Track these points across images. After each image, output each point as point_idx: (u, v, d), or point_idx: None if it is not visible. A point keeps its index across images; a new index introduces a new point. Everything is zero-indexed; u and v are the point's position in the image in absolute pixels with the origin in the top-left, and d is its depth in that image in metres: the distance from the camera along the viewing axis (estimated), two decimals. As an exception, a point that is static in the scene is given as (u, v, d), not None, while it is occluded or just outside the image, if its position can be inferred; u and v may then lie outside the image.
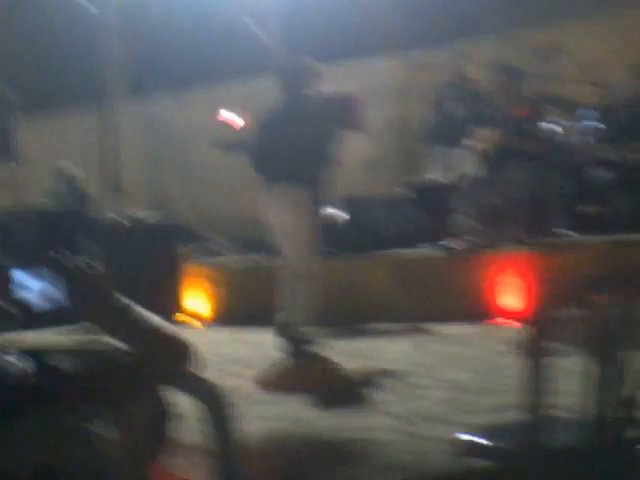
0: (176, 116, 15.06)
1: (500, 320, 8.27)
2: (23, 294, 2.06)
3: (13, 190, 11.31)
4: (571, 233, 9.04)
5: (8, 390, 1.94)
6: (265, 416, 5.56)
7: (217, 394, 2.41)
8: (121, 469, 2.05)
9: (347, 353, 7.54)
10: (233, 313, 9.76)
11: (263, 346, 8.20)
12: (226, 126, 10.68)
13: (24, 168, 11.81)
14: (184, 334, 2.23)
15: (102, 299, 2.14)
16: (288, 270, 7.40)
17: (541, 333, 3.21)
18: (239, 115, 10.49)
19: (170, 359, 2.17)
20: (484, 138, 9.13)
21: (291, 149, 7.18)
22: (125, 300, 2.18)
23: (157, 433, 2.71)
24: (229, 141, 9.81)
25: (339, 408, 5.70)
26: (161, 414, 2.79)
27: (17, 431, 1.86)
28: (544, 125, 9.19)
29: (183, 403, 4.47)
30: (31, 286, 2.06)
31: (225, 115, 10.66)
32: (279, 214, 7.29)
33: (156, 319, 2.17)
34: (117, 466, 2.05)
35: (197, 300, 9.98)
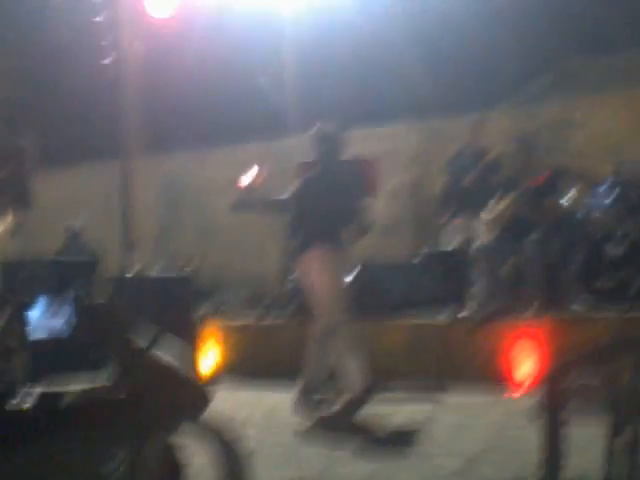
0: (193, 175, 15.19)
1: (514, 391, 8.27)
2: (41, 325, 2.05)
3: (27, 238, 11.42)
4: (585, 307, 9.07)
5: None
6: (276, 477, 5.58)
7: (231, 444, 2.41)
8: None
9: (359, 417, 7.57)
10: (250, 372, 9.79)
11: (274, 407, 8.27)
12: (245, 189, 10.80)
13: (39, 218, 11.94)
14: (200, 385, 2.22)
15: (117, 334, 2.13)
16: (322, 331, 7.59)
17: (556, 401, 3.25)
18: (256, 173, 10.63)
19: (188, 402, 2.14)
20: (499, 208, 9.20)
21: (332, 213, 7.47)
22: (143, 342, 2.17)
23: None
24: (249, 199, 9.90)
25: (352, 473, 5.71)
26: (175, 468, 2.80)
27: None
28: (558, 197, 9.27)
29: (195, 458, 4.50)
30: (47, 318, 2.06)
31: (245, 180, 10.79)
32: (319, 275, 7.50)
33: (175, 363, 2.15)
34: None
35: (212, 358, 10.02)
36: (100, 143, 14.93)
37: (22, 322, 2.16)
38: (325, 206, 7.48)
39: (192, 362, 2.03)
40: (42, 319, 2.04)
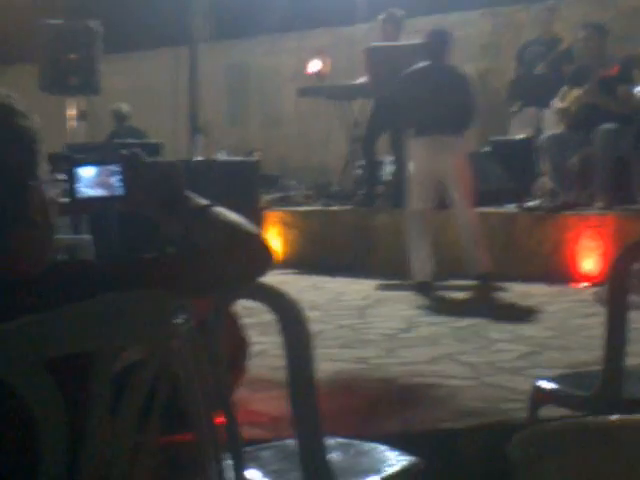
0: (261, 62, 15.09)
1: (579, 282, 8.23)
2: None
3: (94, 123, 11.49)
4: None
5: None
6: (340, 359, 5.63)
7: (295, 307, 2.38)
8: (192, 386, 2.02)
9: (426, 305, 7.60)
10: (311, 261, 9.85)
11: (337, 292, 8.34)
12: (311, 75, 10.72)
13: (106, 104, 11.99)
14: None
15: (166, 190, 2.08)
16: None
17: (621, 286, 3.21)
18: (323, 62, 10.54)
19: (251, 258, 2.08)
20: (570, 97, 9.03)
21: (449, 102, 7.96)
22: (203, 200, 2.12)
23: (236, 361, 2.72)
24: (317, 90, 9.86)
25: (414, 356, 5.75)
26: (241, 343, 2.80)
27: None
28: (632, 87, 9.06)
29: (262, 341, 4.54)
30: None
31: (313, 66, 10.71)
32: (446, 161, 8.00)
33: (237, 217, 2.09)
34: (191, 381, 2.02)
35: (275, 247, 10.08)
36: (166, 29, 14.86)
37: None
38: (446, 97, 7.96)
39: (255, 222, 1.98)
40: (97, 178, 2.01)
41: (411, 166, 8.25)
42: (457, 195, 8.18)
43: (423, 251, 8.11)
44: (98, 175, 2.12)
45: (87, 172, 2.13)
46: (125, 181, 2.09)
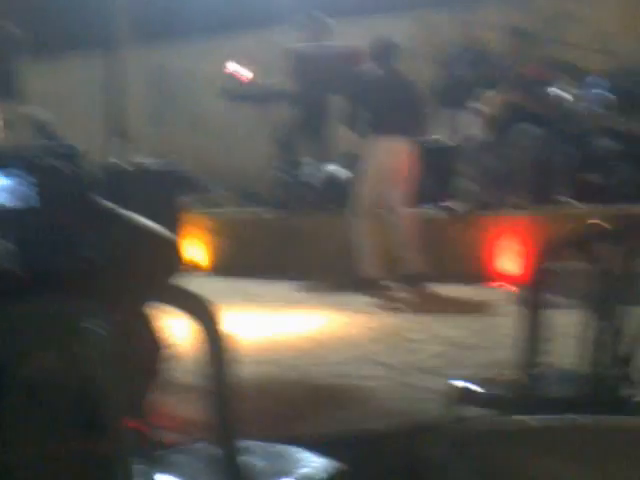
0: (182, 66, 14.99)
1: (498, 283, 8.31)
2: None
3: (14, 130, 11.28)
4: (573, 201, 9.05)
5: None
6: (260, 361, 5.60)
7: (211, 311, 2.35)
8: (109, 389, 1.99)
9: (343, 305, 7.61)
10: (230, 264, 9.81)
11: (262, 297, 8.30)
12: (233, 78, 10.69)
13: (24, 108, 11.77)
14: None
15: (76, 198, 2.05)
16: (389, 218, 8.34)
17: (539, 286, 3.24)
18: (246, 67, 10.51)
19: (162, 261, 2.06)
20: (492, 100, 9.11)
21: (405, 106, 8.40)
22: (108, 203, 2.08)
23: (151, 365, 2.69)
24: (237, 92, 9.85)
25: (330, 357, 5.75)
26: (155, 347, 2.76)
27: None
28: (553, 90, 9.17)
29: (177, 340, 4.50)
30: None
31: (233, 67, 10.67)
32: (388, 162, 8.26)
33: (146, 221, 2.06)
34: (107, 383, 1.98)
35: (195, 249, 10.02)
36: (87, 32, 14.69)
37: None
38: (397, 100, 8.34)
39: (173, 229, 1.95)
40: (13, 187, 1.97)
41: (367, 165, 8.38)
42: (397, 195, 8.30)
43: (372, 249, 8.30)
44: (11, 185, 2.09)
45: None
46: (38, 189, 2.06)
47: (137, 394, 2.45)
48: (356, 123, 8.49)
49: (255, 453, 2.68)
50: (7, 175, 2.11)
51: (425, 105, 8.83)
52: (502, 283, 8.22)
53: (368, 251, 8.31)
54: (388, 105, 8.28)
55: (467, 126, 9.51)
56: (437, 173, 9.33)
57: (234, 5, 14.62)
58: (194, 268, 9.81)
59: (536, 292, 3.27)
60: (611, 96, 9.41)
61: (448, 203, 9.14)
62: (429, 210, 9.08)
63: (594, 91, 9.55)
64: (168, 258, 2.04)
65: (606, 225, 3.82)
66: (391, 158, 8.28)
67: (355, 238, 8.40)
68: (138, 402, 2.41)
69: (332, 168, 10.09)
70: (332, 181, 9.99)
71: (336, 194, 9.84)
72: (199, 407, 2.35)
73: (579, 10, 11.91)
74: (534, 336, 3.24)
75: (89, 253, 2.21)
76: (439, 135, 10.01)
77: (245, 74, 10.71)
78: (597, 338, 3.19)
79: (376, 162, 8.28)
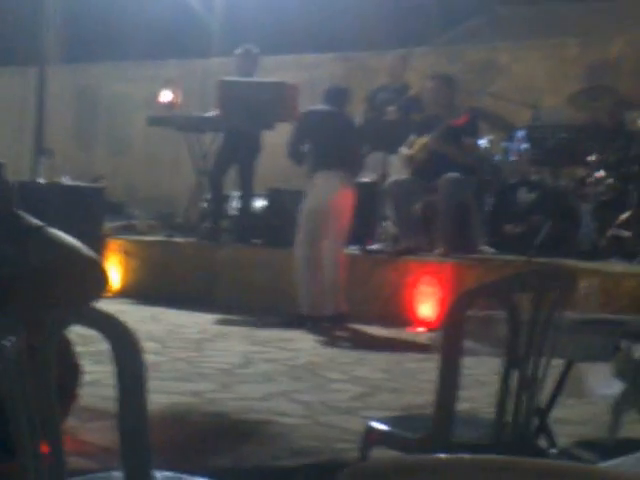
0: (110, 88, 14.91)
1: (416, 327, 8.36)
2: None
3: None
4: (492, 250, 9.17)
5: None
6: (174, 391, 5.56)
7: (130, 335, 2.32)
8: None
9: (263, 341, 7.59)
10: (148, 290, 9.74)
11: (185, 327, 8.25)
12: (163, 104, 10.67)
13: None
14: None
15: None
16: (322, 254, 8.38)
17: (456, 331, 3.26)
18: (175, 92, 10.52)
19: (86, 281, 2.03)
20: (418, 145, 9.20)
21: (347, 144, 8.65)
22: (33, 219, 2.05)
23: (67, 388, 2.64)
24: (166, 119, 9.82)
25: (249, 392, 5.73)
26: (72, 371, 2.72)
27: None
28: (477, 139, 9.31)
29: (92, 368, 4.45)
30: None
31: (164, 96, 10.66)
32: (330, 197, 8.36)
33: (73, 240, 2.04)
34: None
35: (115, 274, 9.92)
36: (16, 47, 14.57)
37: None
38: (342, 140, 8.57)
39: (96, 249, 1.90)
40: None
41: (309, 201, 8.43)
42: (335, 231, 8.35)
43: (313, 285, 8.29)
44: None
45: None
46: None
47: (52, 417, 2.41)
48: (301, 157, 8.60)
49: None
50: None
51: (361, 144, 9.11)
52: (422, 327, 8.28)
53: (306, 287, 8.29)
54: (333, 142, 8.46)
55: (393, 169, 9.58)
56: (365, 214, 9.39)
57: (166, 32, 14.64)
58: (113, 292, 9.71)
59: (454, 338, 3.29)
60: (530, 149, 9.56)
61: (374, 245, 9.21)
62: (355, 251, 9.13)
63: (516, 143, 9.70)
64: (92, 279, 2.01)
65: (525, 274, 3.87)
66: (333, 193, 8.36)
67: (295, 273, 8.41)
68: (53, 426, 2.37)
69: (260, 202, 10.11)
70: (258, 214, 10.01)
71: (263, 227, 9.86)
72: (115, 435, 2.31)
73: (508, 63, 12.15)
74: (451, 382, 3.26)
75: (11, 267, 2.17)
76: (368, 176, 10.08)
77: (176, 100, 10.70)
78: (513, 387, 3.22)
79: (322, 196, 8.34)
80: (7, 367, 1.82)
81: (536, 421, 3.66)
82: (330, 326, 8.19)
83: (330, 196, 8.35)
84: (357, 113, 10.64)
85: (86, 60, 15.25)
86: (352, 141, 8.80)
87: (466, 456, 1.59)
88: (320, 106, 8.79)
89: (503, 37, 13.43)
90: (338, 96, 8.84)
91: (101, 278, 2.03)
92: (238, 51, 10.22)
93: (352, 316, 8.35)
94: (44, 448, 2.29)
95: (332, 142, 8.47)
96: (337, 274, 8.40)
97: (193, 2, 14.35)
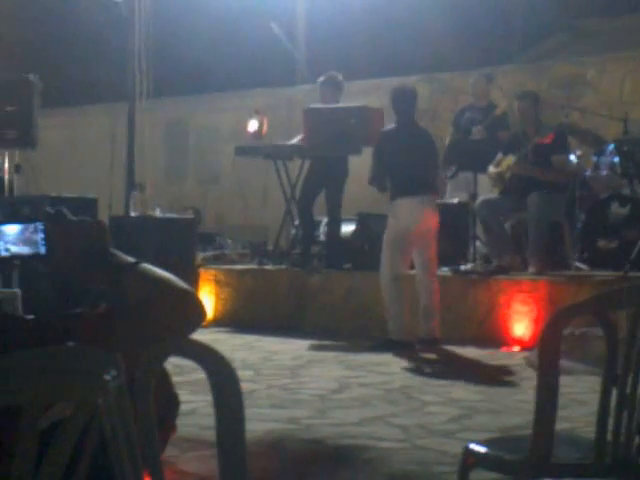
0: (198, 121, 15.11)
1: (511, 347, 8.29)
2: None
3: (30, 176, 11.35)
4: (586, 267, 9.05)
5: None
6: (270, 419, 5.58)
7: (227, 365, 2.34)
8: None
9: (357, 366, 7.59)
10: (241, 319, 9.82)
11: (277, 353, 8.30)
12: (250, 134, 10.78)
13: (43, 157, 11.85)
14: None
15: (96, 250, 2.06)
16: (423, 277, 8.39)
17: (552, 350, 3.22)
18: (262, 122, 10.62)
19: (182, 314, 2.06)
20: (505, 164, 9.15)
21: (426, 163, 8.44)
22: (127, 257, 2.09)
23: (166, 420, 2.68)
24: (254, 149, 9.93)
25: (345, 417, 5.72)
26: (170, 402, 2.75)
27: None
28: (566, 156, 9.21)
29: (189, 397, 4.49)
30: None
31: (252, 126, 10.76)
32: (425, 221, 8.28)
33: (167, 274, 2.07)
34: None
35: (209, 304, 10.01)
36: (105, 85, 14.86)
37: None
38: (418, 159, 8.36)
39: (190, 280, 1.95)
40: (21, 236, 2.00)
41: (392, 227, 8.32)
42: (426, 257, 8.33)
43: (402, 311, 8.21)
44: (22, 232, 2.11)
45: (11, 229, 2.12)
46: (47, 239, 2.08)
47: (152, 449, 2.44)
48: (383, 181, 8.48)
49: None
50: (21, 222, 2.13)
51: (439, 163, 8.96)
52: (517, 347, 8.21)
53: (398, 313, 8.25)
54: (410, 164, 8.26)
55: (482, 189, 9.53)
56: (455, 235, 9.36)
57: (251, 63, 14.79)
58: (207, 322, 9.80)
59: (551, 357, 3.25)
60: (619, 162, 9.40)
61: (465, 266, 9.15)
62: (447, 272, 9.07)
63: (606, 157, 9.56)
64: (189, 312, 2.05)
65: (622, 290, 3.81)
66: (415, 218, 8.22)
67: (386, 300, 8.35)
68: (153, 457, 2.40)
69: (349, 226, 10.13)
70: (348, 239, 10.02)
71: (352, 252, 9.88)
72: (213, 464, 2.34)
73: (595, 77, 12.02)
74: (549, 402, 3.22)
75: (108, 304, 2.22)
76: (457, 197, 10.06)
77: (263, 129, 10.79)
78: (614, 406, 3.17)
79: (404, 223, 8.22)
80: (109, 401, 1.85)
81: (637, 439, 3.60)
82: (422, 348, 8.15)
83: (412, 222, 8.21)
84: (444, 134, 10.65)
85: (174, 93, 15.49)
86: (429, 158, 8.53)
87: None
88: (391, 125, 8.66)
89: (587, 51, 13.31)
90: (404, 97, 8.62)
91: (197, 310, 2.06)
92: (322, 79, 10.29)
93: (445, 339, 8.30)
94: (146, 479, 2.33)
95: (408, 164, 8.27)
96: (431, 300, 8.33)
97: (277, 31, 14.47)
